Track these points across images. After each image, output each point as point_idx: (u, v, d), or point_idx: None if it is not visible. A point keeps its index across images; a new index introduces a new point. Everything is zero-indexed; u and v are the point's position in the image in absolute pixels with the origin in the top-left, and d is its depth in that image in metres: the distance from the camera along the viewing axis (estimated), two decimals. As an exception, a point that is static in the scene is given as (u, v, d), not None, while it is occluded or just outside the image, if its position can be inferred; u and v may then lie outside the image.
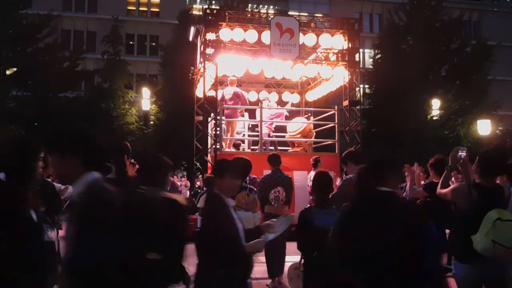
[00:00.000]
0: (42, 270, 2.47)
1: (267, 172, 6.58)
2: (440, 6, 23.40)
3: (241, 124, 11.21)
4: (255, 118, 11.00)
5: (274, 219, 3.16)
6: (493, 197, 3.09)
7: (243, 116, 11.27)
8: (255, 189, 5.49)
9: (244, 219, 3.66)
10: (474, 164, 3.31)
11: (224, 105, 10.13)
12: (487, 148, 3.48)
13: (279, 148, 11.52)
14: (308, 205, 3.61)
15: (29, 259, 2.31)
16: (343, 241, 2.50)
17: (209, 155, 10.65)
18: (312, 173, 8.81)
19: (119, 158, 3.78)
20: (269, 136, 10.89)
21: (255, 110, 11.10)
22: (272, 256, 5.87)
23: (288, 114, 11.68)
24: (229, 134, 10.36)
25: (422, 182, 5.94)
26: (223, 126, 10.51)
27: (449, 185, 3.72)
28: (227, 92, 10.44)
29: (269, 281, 6.01)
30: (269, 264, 5.97)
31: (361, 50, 21.68)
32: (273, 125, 11.14)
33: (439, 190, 3.73)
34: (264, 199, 5.95)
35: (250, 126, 11.75)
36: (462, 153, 3.55)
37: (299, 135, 10.68)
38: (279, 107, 11.68)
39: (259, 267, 6.79)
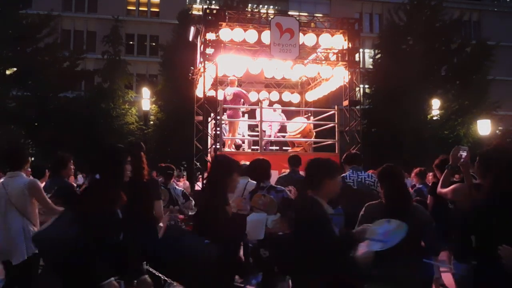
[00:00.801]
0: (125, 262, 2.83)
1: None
2: (440, 6, 23.41)
3: (242, 125, 11.20)
4: (255, 118, 10.99)
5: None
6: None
7: (244, 116, 11.24)
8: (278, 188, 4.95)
9: (255, 221, 3.62)
10: (475, 164, 3.31)
11: (225, 106, 10.12)
12: (487, 148, 3.48)
13: (278, 148, 11.54)
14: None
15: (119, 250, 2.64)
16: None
17: (209, 155, 10.64)
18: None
19: (136, 157, 3.81)
20: (270, 137, 10.90)
21: (255, 110, 11.08)
22: None
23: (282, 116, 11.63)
24: (230, 135, 10.34)
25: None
26: (225, 126, 10.51)
27: (450, 185, 3.72)
28: (228, 93, 10.44)
29: None
30: None
31: (361, 50, 21.65)
32: (278, 126, 11.16)
33: (439, 189, 3.73)
34: None
35: (249, 126, 11.75)
36: (463, 153, 3.54)
37: (299, 135, 10.67)
38: (279, 112, 11.60)
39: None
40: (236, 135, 10.52)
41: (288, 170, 6.46)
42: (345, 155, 5.01)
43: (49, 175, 5.22)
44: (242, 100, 10.50)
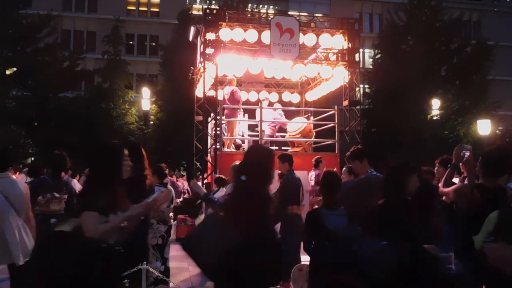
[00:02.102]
0: None
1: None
2: (440, 6, 23.39)
3: (241, 125, 11.19)
4: (255, 118, 10.99)
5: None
6: (495, 198, 3.08)
7: (244, 116, 11.22)
8: None
9: None
10: (477, 164, 3.30)
11: (225, 105, 10.13)
12: (490, 148, 3.47)
13: (278, 148, 11.51)
14: (316, 206, 3.53)
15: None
16: None
17: (209, 155, 10.64)
18: (313, 173, 8.80)
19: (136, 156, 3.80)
20: (272, 137, 10.89)
21: (255, 110, 11.08)
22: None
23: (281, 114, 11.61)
24: (229, 134, 10.34)
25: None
26: (225, 126, 10.51)
27: (452, 184, 3.71)
28: (226, 92, 10.46)
29: None
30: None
31: (361, 50, 21.65)
32: (277, 127, 11.13)
33: (441, 189, 3.72)
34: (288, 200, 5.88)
35: (249, 126, 11.74)
36: (466, 152, 3.52)
37: (299, 135, 10.67)
38: (280, 111, 11.57)
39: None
40: (234, 135, 10.51)
41: (279, 171, 6.32)
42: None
43: (50, 175, 5.22)
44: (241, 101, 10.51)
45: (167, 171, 10.04)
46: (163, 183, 5.72)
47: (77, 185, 12.69)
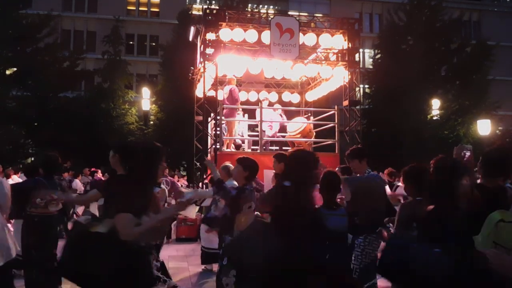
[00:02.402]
0: None
1: (269, 172, 6.52)
2: (440, 6, 23.41)
3: (241, 125, 11.18)
4: (255, 118, 10.99)
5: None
6: (496, 198, 3.07)
7: (244, 116, 11.20)
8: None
9: None
10: (477, 164, 3.30)
11: (224, 105, 10.12)
12: (490, 148, 3.47)
13: (278, 148, 11.49)
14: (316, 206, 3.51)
15: None
16: None
17: (209, 155, 10.64)
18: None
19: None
20: (273, 137, 10.88)
21: (255, 110, 11.08)
22: None
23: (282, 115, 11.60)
24: (228, 134, 10.33)
25: None
26: (225, 126, 10.51)
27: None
28: (225, 91, 10.46)
29: None
30: None
31: (361, 50, 21.67)
32: (277, 127, 11.14)
33: None
34: None
35: (249, 126, 11.73)
36: (467, 152, 3.53)
37: (299, 135, 10.66)
38: (280, 111, 11.56)
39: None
40: (233, 135, 10.50)
41: (274, 171, 6.25)
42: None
43: (43, 175, 5.19)
44: (239, 100, 10.48)
45: (167, 171, 10.09)
46: (157, 183, 5.74)
47: (78, 184, 12.73)
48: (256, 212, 4.28)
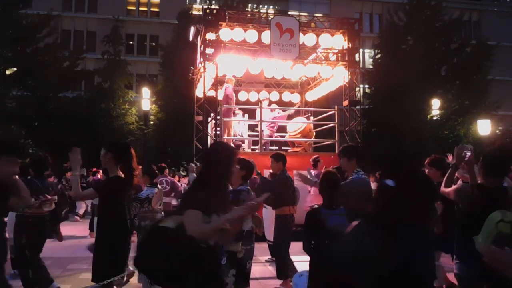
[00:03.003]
0: None
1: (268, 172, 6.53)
2: (440, 6, 23.41)
3: (241, 125, 11.18)
4: (255, 118, 10.99)
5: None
6: (496, 198, 3.07)
7: (235, 115, 11.11)
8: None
9: None
10: (478, 164, 3.30)
11: (225, 106, 10.13)
12: (491, 148, 3.47)
13: (277, 148, 11.49)
14: (316, 205, 3.50)
15: None
16: None
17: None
18: (312, 172, 8.77)
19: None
20: (271, 137, 10.87)
21: (255, 110, 11.08)
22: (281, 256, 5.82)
23: (290, 113, 11.65)
24: (225, 134, 10.31)
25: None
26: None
27: (453, 184, 3.70)
28: (221, 92, 10.47)
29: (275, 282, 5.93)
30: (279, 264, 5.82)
31: (361, 50, 21.66)
32: (275, 127, 11.12)
33: (442, 189, 3.71)
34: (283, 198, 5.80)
35: (249, 126, 11.72)
36: (467, 152, 3.53)
37: (299, 135, 10.67)
38: (278, 110, 11.57)
39: (259, 267, 6.78)
40: (231, 134, 10.49)
41: (270, 170, 6.24)
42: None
43: (33, 176, 5.18)
44: (231, 99, 10.46)
45: (167, 171, 10.08)
46: (153, 184, 5.74)
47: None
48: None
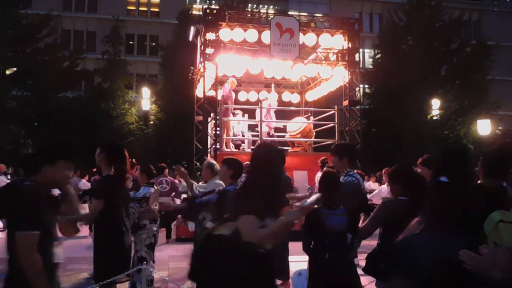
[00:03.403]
0: None
1: None
2: (440, 6, 23.42)
3: (241, 125, 11.17)
4: (255, 118, 10.99)
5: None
6: (496, 198, 3.07)
7: (234, 115, 11.09)
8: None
9: None
10: (478, 164, 3.29)
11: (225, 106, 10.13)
12: (491, 148, 3.47)
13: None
14: (315, 206, 3.48)
15: None
16: None
17: (209, 155, 10.64)
18: (319, 174, 8.79)
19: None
20: (269, 134, 10.85)
21: (254, 110, 11.07)
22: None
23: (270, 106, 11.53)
24: (224, 134, 10.31)
25: None
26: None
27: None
28: (221, 92, 10.47)
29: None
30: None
31: (361, 50, 21.66)
32: (272, 124, 11.11)
33: None
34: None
35: (249, 126, 11.72)
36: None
37: (299, 135, 10.67)
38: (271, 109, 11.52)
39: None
40: (230, 134, 10.48)
41: None
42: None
43: (23, 176, 5.20)
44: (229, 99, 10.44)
45: (167, 171, 10.09)
46: (150, 183, 5.77)
47: (86, 184, 12.71)
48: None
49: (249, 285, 2.38)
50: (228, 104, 10.31)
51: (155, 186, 6.01)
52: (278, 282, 5.81)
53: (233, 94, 10.91)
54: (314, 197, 2.73)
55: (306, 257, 3.59)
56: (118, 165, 3.76)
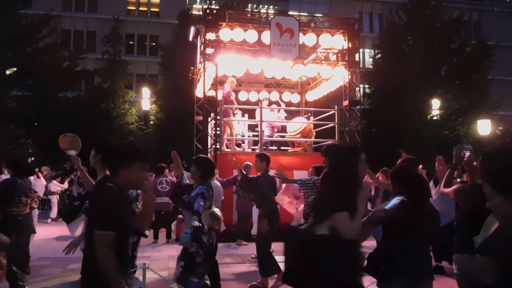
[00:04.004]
0: None
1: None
2: (440, 6, 23.41)
3: (241, 125, 11.17)
4: (255, 118, 10.99)
5: None
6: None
7: (234, 115, 11.10)
8: None
9: None
10: (478, 164, 3.29)
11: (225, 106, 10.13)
12: (491, 147, 3.47)
13: (276, 148, 11.50)
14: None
15: None
16: None
17: (209, 155, 10.63)
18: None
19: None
20: (271, 137, 10.87)
21: (254, 110, 11.07)
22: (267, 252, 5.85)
23: (286, 115, 11.62)
24: (225, 134, 10.31)
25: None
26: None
27: (452, 184, 3.70)
28: (221, 92, 10.47)
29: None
30: (263, 261, 5.84)
31: (361, 50, 21.67)
32: (275, 128, 11.11)
33: (442, 189, 3.71)
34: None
35: (249, 126, 11.71)
36: (466, 152, 3.54)
37: (299, 135, 10.67)
38: (280, 112, 11.53)
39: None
40: (233, 134, 10.48)
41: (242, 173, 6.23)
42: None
43: (13, 175, 5.22)
44: (229, 98, 10.44)
45: (167, 171, 10.08)
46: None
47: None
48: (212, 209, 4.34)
49: (352, 282, 2.45)
50: (228, 104, 10.30)
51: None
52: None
53: (233, 94, 10.90)
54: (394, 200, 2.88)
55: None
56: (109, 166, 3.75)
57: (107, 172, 3.72)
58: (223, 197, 6.41)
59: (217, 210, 4.48)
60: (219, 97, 10.44)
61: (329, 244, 2.46)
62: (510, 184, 1.73)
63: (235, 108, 11.00)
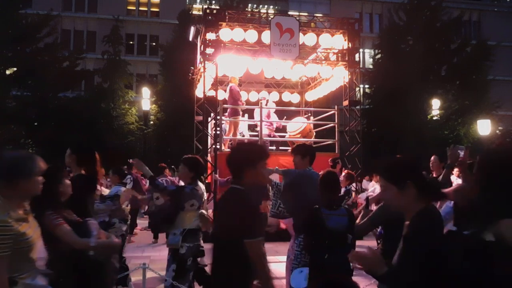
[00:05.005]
0: None
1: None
2: (440, 6, 23.42)
3: (241, 125, 11.17)
4: (254, 118, 10.99)
5: None
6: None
7: (243, 115, 11.14)
8: None
9: None
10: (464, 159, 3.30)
11: (225, 106, 10.12)
12: (489, 147, 3.48)
13: (278, 148, 11.49)
14: (316, 206, 3.47)
15: None
16: None
17: (209, 155, 10.64)
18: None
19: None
20: (269, 136, 10.85)
21: (254, 110, 11.06)
22: None
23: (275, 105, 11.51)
24: (230, 134, 10.30)
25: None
26: (224, 126, 10.49)
27: (450, 184, 3.71)
28: (226, 91, 10.45)
29: None
30: None
31: (361, 50, 21.65)
32: (274, 125, 11.10)
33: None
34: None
35: (249, 126, 11.71)
36: (461, 152, 3.56)
37: (299, 135, 10.66)
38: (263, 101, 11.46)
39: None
40: (237, 134, 10.48)
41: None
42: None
43: None
44: (239, 98, 10.42)
45: (167, 171, 10.08)
46: (123, 183, 5.80)
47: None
48: (201, 210, 4.36)
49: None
50: (237, 104, 10.23)
51: (128, 186, 6.07)
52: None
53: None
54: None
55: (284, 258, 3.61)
56: (89, 168, 3.70)
57: (83, 172, 3.72)
58: (205, 198, 6.37)
59: (205, 212, 4.50)
60: (219, 97, 10.43)
61: (499, 251, 2.40)
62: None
63: (242, 104, 10.93)
